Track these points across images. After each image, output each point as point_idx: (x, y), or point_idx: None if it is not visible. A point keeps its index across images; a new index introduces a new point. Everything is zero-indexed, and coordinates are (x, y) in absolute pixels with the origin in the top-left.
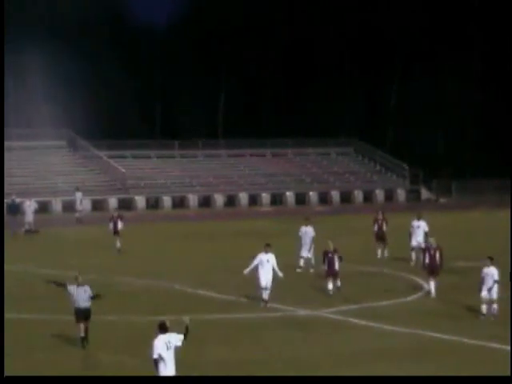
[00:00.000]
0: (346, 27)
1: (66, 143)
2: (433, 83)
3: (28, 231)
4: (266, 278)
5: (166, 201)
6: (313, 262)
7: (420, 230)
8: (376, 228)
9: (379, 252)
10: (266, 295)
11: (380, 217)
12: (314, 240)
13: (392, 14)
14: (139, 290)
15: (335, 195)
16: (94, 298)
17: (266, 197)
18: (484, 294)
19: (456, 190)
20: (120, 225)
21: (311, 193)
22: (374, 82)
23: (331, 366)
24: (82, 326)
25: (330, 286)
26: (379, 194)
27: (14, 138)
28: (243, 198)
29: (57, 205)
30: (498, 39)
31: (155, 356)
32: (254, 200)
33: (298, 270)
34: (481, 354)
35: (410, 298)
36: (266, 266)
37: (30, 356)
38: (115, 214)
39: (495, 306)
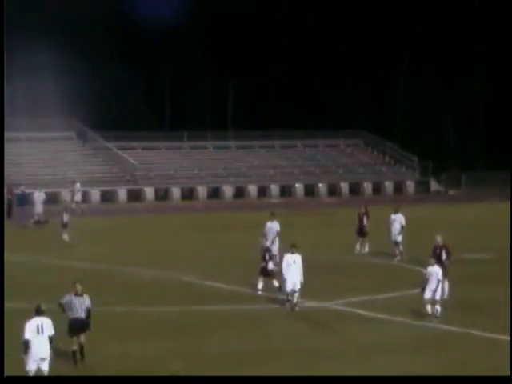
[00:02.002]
0: (356, 20)
1: (76, 134)
2: (442, 75)
3: (37, 222)
4: (292, 281)
5: (175, 192)
6: (277, 259)
7: (396, 223)
8: (358, 222)
9: (357, 246)
10: (294, 298)
11: (362, 211)
12: (279, 234)
13: (401, 6)
14: (147, 281)
15: (344, 187)
16: (89, 312)
17: (274, 188)
18: (427, 294)
19: (465, 181)
20: (66, 217)
21: (320, 184)
22: (383, 74)
23: (340, 358)
24: (75, 339)
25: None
26: (388, 186)
27: (23, 128)
28: (252, 189)
29: (66, 196)
30: (506, 30)
31: (25, 338)
32: (262, 192)
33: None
34: (489, 346)
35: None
36: (293, 268)
37: None
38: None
39: (437, 307)
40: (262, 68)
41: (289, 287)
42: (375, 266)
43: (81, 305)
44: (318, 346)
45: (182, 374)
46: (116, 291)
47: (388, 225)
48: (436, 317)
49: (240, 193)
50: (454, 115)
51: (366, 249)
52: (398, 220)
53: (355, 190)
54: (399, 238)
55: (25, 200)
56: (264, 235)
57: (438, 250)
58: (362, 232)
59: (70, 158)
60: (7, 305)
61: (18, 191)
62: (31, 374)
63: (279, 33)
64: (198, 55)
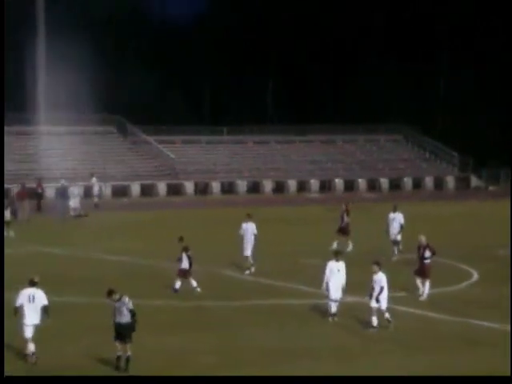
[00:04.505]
0: (397, 13)
1: (116, 129)
2: (483, 70)
3: (77, 215)
4: (337, 290)
5: (215, 186)
6: (251, 260)
7: (396, 222)
8: (339, 220)
9: (335, 244)
10: (334, 307)
11: (343, 208)
12: (257, 238)
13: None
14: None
15: (384, 182)
16: (131, 311)
17: (314, 183)
18: (373, 303)
19: (504, 177)
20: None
21: (360, 179)
22: (423, 68)
23: (379, 354)
24: (119, 344)
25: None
26: (428, 182)
27: (64, 123)
28: (292, 184)
29: (106, 189)
30: None
31: (16, 304)
32: (302, 186)
33: (247, 272)
34: None
35: (456, 287)
36: (337, 276)
37: (80, 340)
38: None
39: (387, 315)
40: (302, 62)
41: (332, 296)
42: (412, 262)
43: (122, 308)
44: (353, 342)
45: (215, 368)
46: (155, 285)
47: (387, 223)
48: (388, 325)
49: (279, 187)
50: (494, 111)
51: (350, 247)
52: (397, 219)
53: (395, 185)
54: (398, 237)
55: (65, 194)
56: (241, 238)
57: (421, 249)
58: (342, 230)
59: (110, 152)
60: (54, 298)
61: (58, 185)
62: (27, 339)
63: (320, 30)
64: (239, 50)
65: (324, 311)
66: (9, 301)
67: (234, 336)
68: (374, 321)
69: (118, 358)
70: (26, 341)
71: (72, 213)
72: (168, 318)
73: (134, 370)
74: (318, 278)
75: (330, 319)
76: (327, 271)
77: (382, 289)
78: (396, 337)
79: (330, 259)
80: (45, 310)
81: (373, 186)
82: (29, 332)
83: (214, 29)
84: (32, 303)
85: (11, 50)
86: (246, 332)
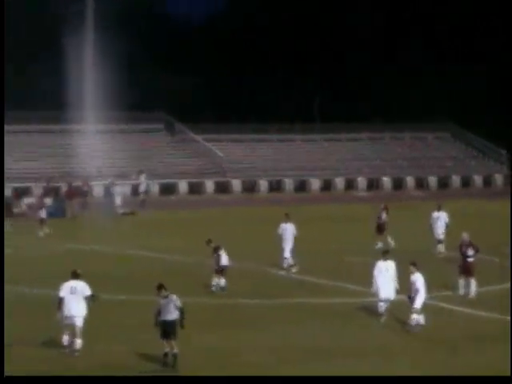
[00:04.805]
0: (444, 13)
1: (164, 126)
2: None
3: (124, 213)
4: (385, 290)
5: (263, 184)
6: (290, 261)
7: (440, 221)
8: (377, 218)
9: (379, 243)
10: (383, 307)
11: (382, 207)
12: (295, 238)
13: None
14: (233, 273)
15: (432, 180)
16: (179, 308)
17: (362, 181)
18: (412, 303)
19: None
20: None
21: (408, 178)
22: (470, 66)
23: (424, 351)
24: (165, 342)
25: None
26: (477, 180)
27: (112, 121)
28: (339, 182)
29: (154, 187)
30: None
31: (59, 295)
32: (350, 185)
33: (282, 273)
34: None
35: (505, 285)
36: (386, 276)
37: (125, 338)
38: None
39: (415, 315)
40: (349, 60)
41: (382, 296)
42: (457, 260)
43: (168, 306)
44: (399, 340)
45: (259, 366)
46: (201, 283)
47: (430, 222)
48: (418, 324)
49: (327, 186)
50: None
51: (379, 245)
52: (442, 218)
53: (443, 183)
54: (442, 236)
55: (113, 192)
56: (280, 238)
57: (464, 247)
58: (379, 229)
59: (158, 150)
60: (106, 296)
61: (106, 183)
62: (65, 330)
63: (368, 29)
64: (287, 48)
65: (369, 310)
66: (49, 297)
67: (276, 334)
68: (414, 320)
69: (165, 354)
70: (67, 333)
71: (123, 209)
72: (217, 316)
73: (181, 367)
74: (363, 276)
75: (382, 319)
76: (376, 271)
77: (417, 289)
78: (440, 335)
79: (376, 258)
80: (89, 300)
81: (421, 184)
82: (76, 322)
83: (262, 27)
84: (74, 294)
85: (58, 48)
86: (289, 330)
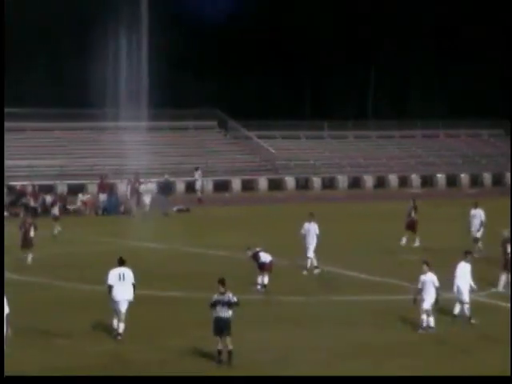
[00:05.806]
0: (498, 9)
1: (217, 123)
2: None
3: (180, 210)
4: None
5: (316, 182)
6: (315, 262)
7: (476, 219)
8: (406, 216)
9: (404, 240)
10: (425, 317)
11: (411, 204)
12: (319, 238)
13: None
14: (283, 271)
15: (487, 177)
16: (235, 304)
17: (416, 178)
18: (426, 304)
19: None
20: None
21: (462, 175)
22: None
23: (481, 349)
24: (219, 339)
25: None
26: None
27: (166, 118)
28: (393, 179)
29: (208, 184)
30: None
31: (108, 283)
32: (403, 182)
33: (304, 273)
34: None
35: None
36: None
37: (182, 334)
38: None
39: (424, 316)
40: (403, 56)
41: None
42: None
43: (223, 303)
44: (454, 335)
45: (315, 363)
46: (252, 280)
47: (468, 220)
48: (430, 327)
49: (380, 182)
50: None
51: (418, 243)
52: (478, 215)
53: (498, 180)
54: (478, 234)
55: (168, 188)
56: (303, 238)
57: (505, 244)
58: (410, 226)
59: (211, 147)
60: (155, 293)
61: (161, 180)
62: (114, 314)
63: (420, 25)
64: (340, 45)
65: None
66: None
67: (328, 332)
68: (423, 321)
69: (219, 352)
70: (116, 318)
71: (178, 206)
72: (270, 313)
73: (236, 365)
74: (416, 274)
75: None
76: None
77: (436, 290)
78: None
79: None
80: (134, 288)
81: (475, 181)
82: (122, 307)
83: (315, 22)
84: (122, 281)
85: (111, 47)
86: (341, 327)
